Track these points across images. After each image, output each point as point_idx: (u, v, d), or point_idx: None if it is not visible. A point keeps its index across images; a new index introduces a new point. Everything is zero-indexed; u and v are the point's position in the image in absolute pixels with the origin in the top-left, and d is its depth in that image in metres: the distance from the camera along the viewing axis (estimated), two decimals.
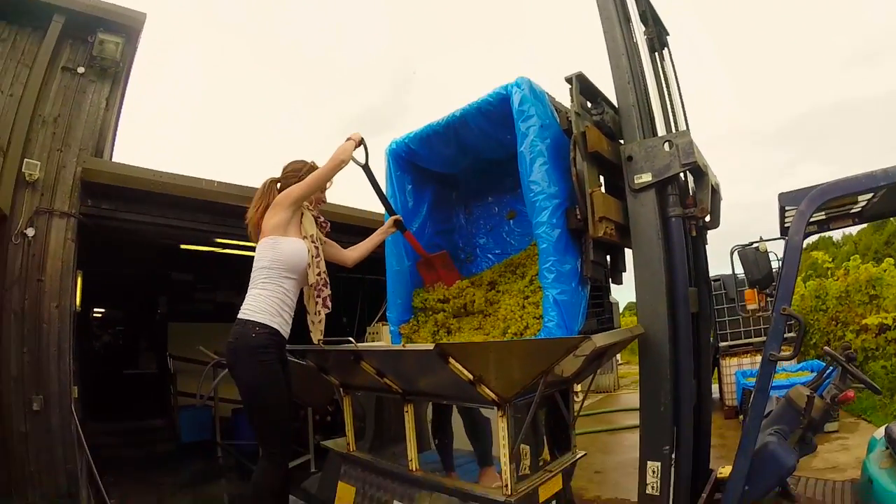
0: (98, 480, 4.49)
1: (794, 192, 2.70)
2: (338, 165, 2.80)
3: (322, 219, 3.03)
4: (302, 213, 2.83)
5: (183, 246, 6.25)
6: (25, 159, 4.31)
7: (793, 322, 2.62)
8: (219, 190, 4.86)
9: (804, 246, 2.71)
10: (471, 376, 2.04)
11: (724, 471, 2.83)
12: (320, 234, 2.94)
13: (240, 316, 2.62)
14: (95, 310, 10.20)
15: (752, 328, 7.76)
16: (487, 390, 2.10)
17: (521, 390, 2.17)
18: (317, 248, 2.83)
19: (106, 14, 4.90)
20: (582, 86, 2.80)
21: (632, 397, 10.79)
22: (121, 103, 5.52)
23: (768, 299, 3.20)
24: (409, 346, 2.30)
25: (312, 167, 2.92)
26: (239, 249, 5.84)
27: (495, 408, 2.19)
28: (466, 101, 2.99)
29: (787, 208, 2.92)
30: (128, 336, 10.99)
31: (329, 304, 2.89)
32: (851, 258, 9.15)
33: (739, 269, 3.01)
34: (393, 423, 2.85)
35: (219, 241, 5.52)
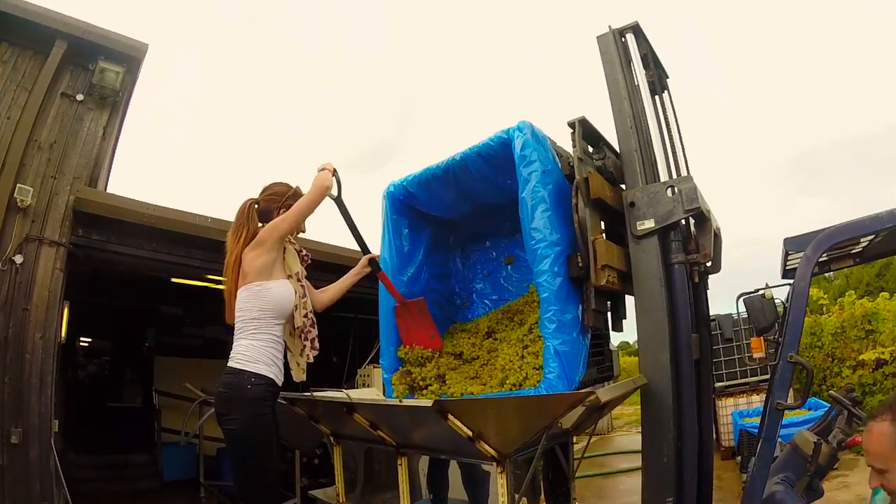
0: None
1: (799, 236, 2.69)
2: (322, 193, 2.62)
3: (304, 252, 2.87)
4: (285, 248, 2.68)
5: (173, 280, 6.16)
6: (18, 184, 4.25)
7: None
8: (211, 226, 4.77)
9: None
10: (470, 433, 1.97)
11: None
12: (303, 269, 2.79)
13: (234, 365, 2.46)
14: (82, 339, 9.99)
15: (747, 368, 7.72)
16: (487, 446, 2.02)
17: (522, 446, 2.09)
18: (303, 286, 2.70)
19: (108, 42, 4.90)
20: (584, 130, 2.78)
21: (626, 439, 10.65)
22: (118, 133, 5.50)
23: (768, 342, 3.16)
24: (406, 402, 2.22)
25: (297, 193, 2.74)
26: None
27: (494, 464, 2.10)
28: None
29: (790, 252, 2.90)
30: (113, 367, 10.72)
31: (317, 345, 2.75)
32: (847, 293, 9.15)
33: (733, 310, 2.97)
34: (384, 475, 2.75)
35: (211, 276, 5.42)
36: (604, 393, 2.01)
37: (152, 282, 6.47)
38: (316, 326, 2.76)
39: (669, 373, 2.51)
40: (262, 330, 2.49)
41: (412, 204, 3.37)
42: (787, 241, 2.76)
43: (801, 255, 2.65)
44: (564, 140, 2.88)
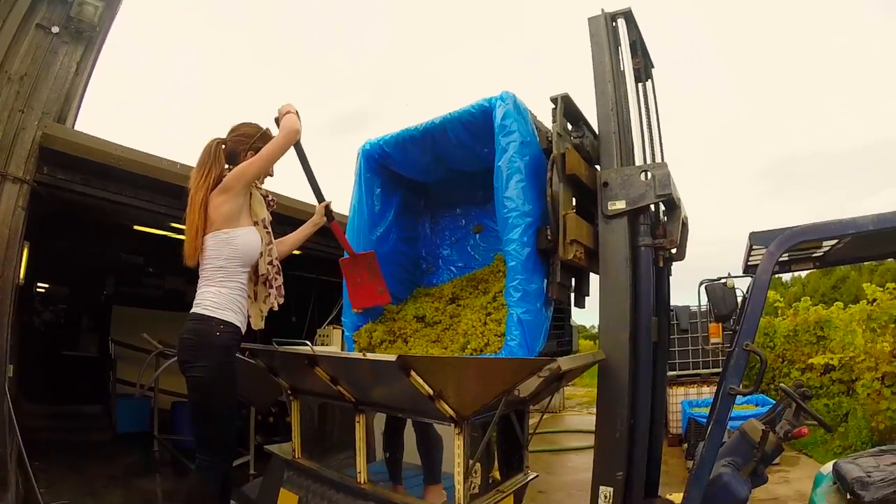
0: (28, 466, 4.24)
1: (765, 231, 2.75)
2: (292, 137, 2.55)
3: (270, 197, 2.82)
4: (251, 194, 2.62)
5: (136, 227, 5.99)
6: None
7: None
8: (180, 172, 4.53)
9: None
10: (431, 391, 1.99)
11: (675, 498, 2.84)
12: (269, 215, 2.74)
13: (199, 311, 2.42)
14: (39, 284, 9.70)
15: (700, 359, 7.95)
16: (446, 406, 2.05)
17: (480, 409, 2.13)
18: (268, 233, 2.67)
19: None
20: (566, 107, 2.79)
21: (577, 419, 10.90)
22: (91, 70, 5.29)
23: (724, 333, 3.26)
24: (370, 356, 2.22)
25: (266, 135, 2.66)
26: None
27: (452, 425, 2.13)
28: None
29: (754, 247, 2.98)
30: (70, 315, 10.46)
31: (283, 291, 2.73)
32: (802, 299, 9.47)
33: (693, 302, 3.03)
34: (341, 432, 2.76)
35: (175, 225, 5.29)
36: (565, 362, 2.05)
37: (114, 228, 6.27)
38: (281, 274, 2.74)
39: (628, 351, 2.58)
40: (229, 277, 2.47)
41: (386, 164, 3.35)
42: (752, 236, 2.83)
43: (764, 250, 2.72)
44: (546, 116, 2.89)
